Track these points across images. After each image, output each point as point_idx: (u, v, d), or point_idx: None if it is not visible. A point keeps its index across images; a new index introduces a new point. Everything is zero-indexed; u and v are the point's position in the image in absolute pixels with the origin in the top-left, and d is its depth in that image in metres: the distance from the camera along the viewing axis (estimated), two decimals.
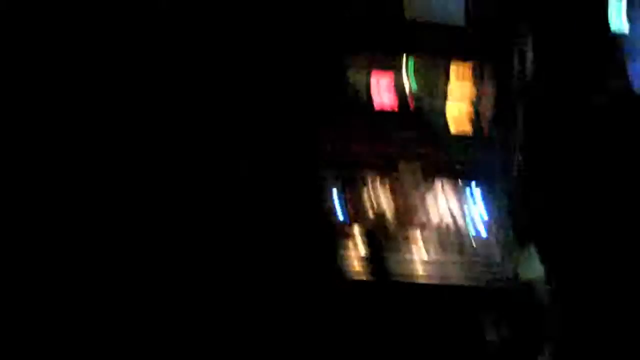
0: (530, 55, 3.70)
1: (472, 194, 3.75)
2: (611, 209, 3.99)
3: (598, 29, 4.20)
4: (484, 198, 3.75)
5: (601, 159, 4.11)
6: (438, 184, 3.72)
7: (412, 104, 3.66)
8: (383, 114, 3.66)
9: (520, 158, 3.72)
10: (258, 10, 3.70)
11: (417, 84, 3.69)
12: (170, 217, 3.71)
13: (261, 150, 3.67)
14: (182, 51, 3.83)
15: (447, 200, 3.73)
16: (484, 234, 3.73)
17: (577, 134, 4.10)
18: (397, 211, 3.67)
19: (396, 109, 3.67)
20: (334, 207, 3.64)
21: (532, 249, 3.77)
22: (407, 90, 3.67)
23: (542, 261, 3.77)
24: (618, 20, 4.19)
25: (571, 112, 4.11)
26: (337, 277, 3.49)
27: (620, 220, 3.97)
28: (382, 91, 3.67)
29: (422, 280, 3.60)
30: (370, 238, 3.62)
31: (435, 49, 3.69)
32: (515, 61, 3.70)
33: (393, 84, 3.69)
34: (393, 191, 3.68)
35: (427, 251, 3.67)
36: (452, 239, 3.69)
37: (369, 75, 3.67)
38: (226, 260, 3.60)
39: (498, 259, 3.72)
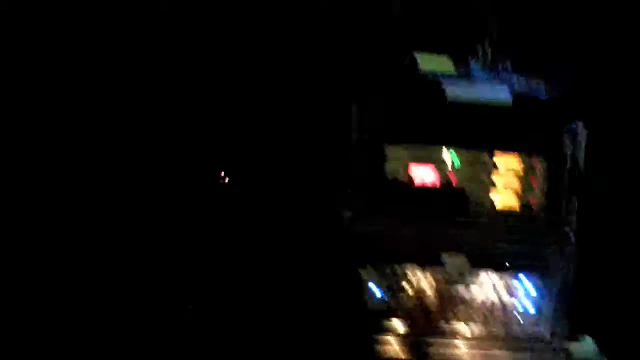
0: (582, 142, 3.66)
1: (520, 279, 3.71)
2: None
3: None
4: (532, 279, 3.71)
5: None
6: (484, 273, 3.68)
7: (454, 182, 3.62)
8: (423, 191, 3.61)
9: (573, 242, 3.65)
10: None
11: (459, 173, 3.62)
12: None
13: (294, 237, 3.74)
14: (182, 55, 3.87)
15: (493, 281, 3.70)
16: (532, 311, 3.66)
17: (630, 217, 4.06)
18: (439, 293, 3.65)
19: (437, 186, 3.60)
20: (372, 289, 3.61)
21: (583, 324, 3.71)
22: (448, 167, 3.61)
23: (596, 340, 3.70)
24: None
25: (625, 193, 4.08)
26: (373, 356, 3.46)
27: None
28: (422, 176, 3.63)
29: (463, 355, 3.53)
30: (410, 316, 3.59)
31: (479, 139, 3.59)
32: (567, 150, 3.65)
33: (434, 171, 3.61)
34: (436, 279, 3.67)
35: (471, 327, 3.62)
36: (497, 315, 3.64)
37: (407, 166, 3.57)
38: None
39: (547, 335, 3.63)
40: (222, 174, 3.87)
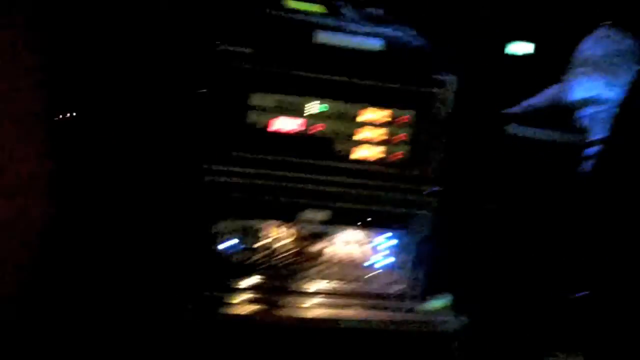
0: (452, 95, 3.59)
1: (379, 235, 3.67)
2: (524, 242, 3.96)
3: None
4: (391, 235, 3.67)
5: (519, 194, 4.07)
6: (343, 228, 3.61)
7: (319, 133, 3.48)
8: (286, 143, 3.46)
9: (435, 197, 3.61)
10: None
11: (324, 124, 3.47)
12: None
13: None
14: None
15: (352, 237, 3.63)
16: (390, 268, 3.63)
17: (494, 169, 4.06)
18: (296, 248, 3.56)
19: (300, 138, 3.46)
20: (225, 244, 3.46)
21: (440, 280, 3.72)
22: (314, 118, 3.46)
23: (451, 292, 3.71)
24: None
25: (488, 148, 4.07)
26: (222, 310, 3.35)
27: (535, 255, 3.94)
28: (285, 126, 3.43)
29: (317, 313, 3.46)
30: (265, 273, 3.50)
31: (347, 89, 3.49)
32: (435, 102, 3.58)
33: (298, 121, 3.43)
34: (293, 234, 3.57)
35: (327, 284, 3.55)
36: (354, 272, 3.59)
37: (270, 116, 3.38)
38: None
39: (404, 292, 3.62)
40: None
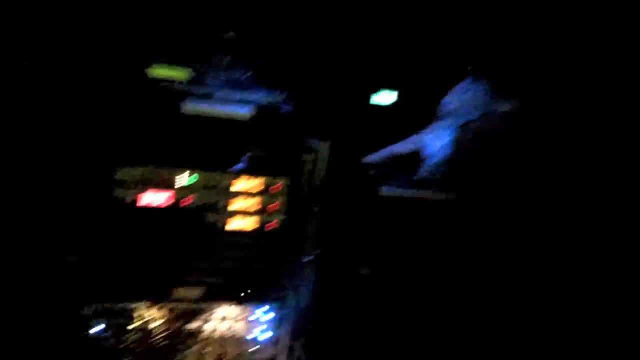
0: (325, 158, 3.56)
1: (256, 308, 3.58)
2: (404, 305, 3.93)
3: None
4: (268, 308, 3.58)
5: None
6: (219, 304, 3.50)
7: (189, 206, 3.38)
8: (154, 218, 3.33)
9: (312, 265, 3.56)
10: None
11: (194, 196, 3.36)
12: None
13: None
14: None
15: (228, 312, 3.53)
16: (268, 341, 3.54)
17: (370, 232, 4.02)
18: (171, 328, 3.42)
19: (169, 212, 3.35)
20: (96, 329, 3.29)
21: (321, 350, 3.64)
22: (183, 190, 3.36)
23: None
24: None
25: (363, 210, 4.03)
26: None
27: (416, 318, 3.92)
28: (153, 200, 3.30)
29: None
30: (137, 356, 3.34)
31: (216, 159, 3.40)
32: (308, 167, 3.54)
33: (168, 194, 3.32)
34: (167, 314, 3.43)
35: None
36: (232, 348, 3.48)
37: (138, 190, 3.24)
38: None
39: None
40: None
